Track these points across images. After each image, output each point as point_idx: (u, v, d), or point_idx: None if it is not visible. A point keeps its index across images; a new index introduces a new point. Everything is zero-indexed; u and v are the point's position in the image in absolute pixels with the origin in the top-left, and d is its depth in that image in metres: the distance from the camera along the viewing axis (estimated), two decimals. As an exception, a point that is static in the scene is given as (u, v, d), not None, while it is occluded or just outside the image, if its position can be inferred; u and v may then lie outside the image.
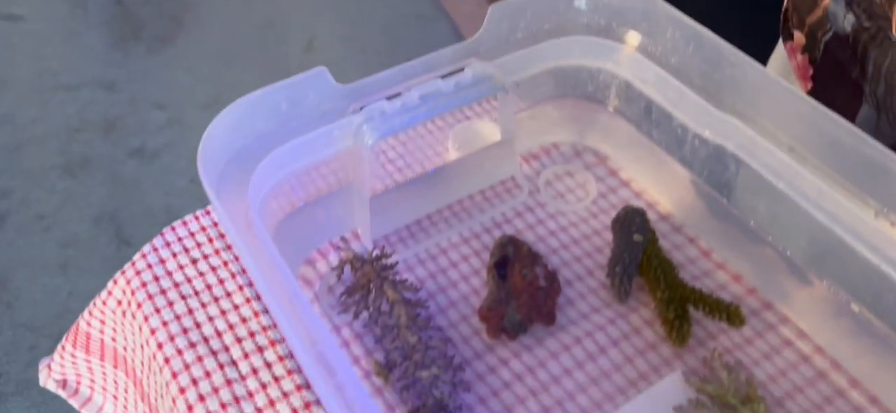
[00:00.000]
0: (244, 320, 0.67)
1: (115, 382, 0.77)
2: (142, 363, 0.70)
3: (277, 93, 0.61)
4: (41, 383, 0.83)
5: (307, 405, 0.61)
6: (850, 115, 0.69)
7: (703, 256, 0.68)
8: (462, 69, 0.65)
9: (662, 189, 0.73)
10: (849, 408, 0.58)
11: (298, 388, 0.62)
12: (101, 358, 0.77)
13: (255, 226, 0.55)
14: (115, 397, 0.79)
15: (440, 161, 0.74)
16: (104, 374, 0.78)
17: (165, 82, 2.21)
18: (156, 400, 0.69)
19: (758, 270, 0.66)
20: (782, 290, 0.64)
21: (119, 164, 1.97)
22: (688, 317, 0.61)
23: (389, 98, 0.63)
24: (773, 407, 0.58)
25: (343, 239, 0.65)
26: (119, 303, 0.72)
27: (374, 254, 0.63)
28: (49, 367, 0.82)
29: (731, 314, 0.60)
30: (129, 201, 1.89)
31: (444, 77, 0.64)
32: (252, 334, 0.66)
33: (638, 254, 0.64)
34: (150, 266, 0.71)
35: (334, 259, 0.67)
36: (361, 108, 0.63)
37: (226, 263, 0.71)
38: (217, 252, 0.72)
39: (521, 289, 0.63)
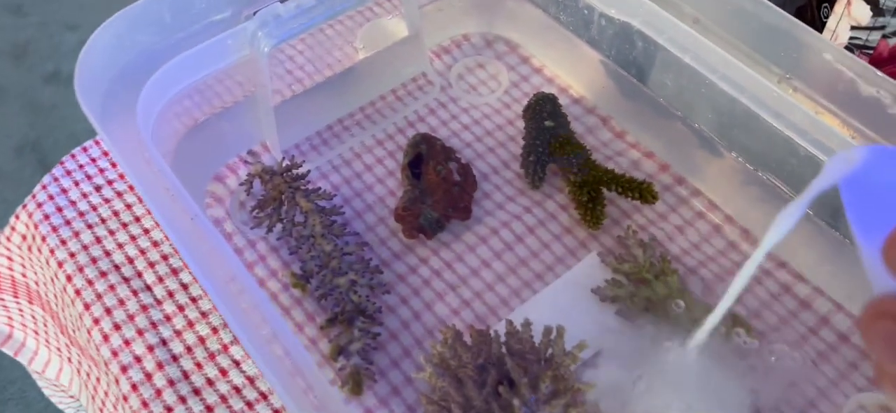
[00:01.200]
0: (156, 244, 0.64)
1: (33, 317, 0.74)
2: (54, 296, 0.67)
3: (160, 2, 0.56)
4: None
5: (226, 323, 0.59)
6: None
7: (617, 137, 0.67)
8: (359, -37, 0.61)
9: (573, 72, 0.70)
10: (758, 272, 0.59)
11: (216, 307, 0.60)
12: (15, 294, 0.73)
13: (148, 148, 0.51)
14: (36, 333, 0.75)
15: (348, 63, 0.70)
16: (20, 310, 0.74)
17: (76, 2, 2.07)
18: (73, 332, 0.66)
19: (669, 146, 0.65)
20: (693, 163, 0.64)
21: (35, 91, 1.86)
22: (601, 198, 0.60)
23: (283, 0, 0.59)
24: (686, 277, 0.58)
25: (251, 152, 0.61)
26: (24, 238, 0.68)
27: (284, 164, 0.60)
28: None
29: (643, 191, 0.59)
30: (51, 129, 1.80)
31: (340, -28, 0.60)
32: (165, 257, 0.63)
33: (550, 140, 0.62)
34: (51, 197, 0.66)
35: (245, 174, 0.63)
36: (254, 14, 0.58)
37: (132, 188, 0.67)
38: (122, 177, 0.68)
39: (436, 186, 0.61)
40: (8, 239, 0.69)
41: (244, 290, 0.46)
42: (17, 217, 0.68)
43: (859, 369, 0.55)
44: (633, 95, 0.66)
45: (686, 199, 0.63)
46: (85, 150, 0.70)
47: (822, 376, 0.54)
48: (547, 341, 0.49)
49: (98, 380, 0.66)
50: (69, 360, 0.72)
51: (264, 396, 0.55)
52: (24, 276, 0.71)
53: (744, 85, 0.56)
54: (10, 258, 0.70)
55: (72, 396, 0.77)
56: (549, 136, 0.62)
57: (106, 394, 0.65)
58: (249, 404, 0.55)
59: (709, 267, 0.59)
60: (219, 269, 0.48)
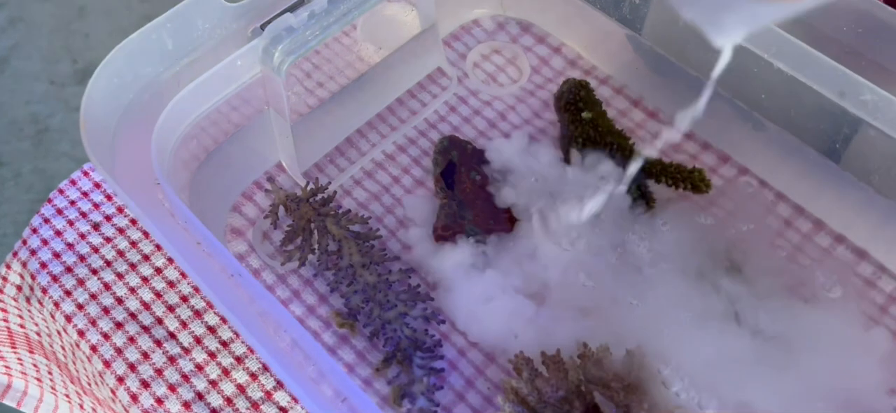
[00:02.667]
0: (172, 285, 0.57)
1: (35, 366, 0.67)
2: (63, 348, 0.60)
3: (159, 29, 0.49)
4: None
5: (266, 367, 0.54)
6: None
7: (650, 117, 0.63)
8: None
9: (597, 50, 0.65)
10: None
11: (251, 349, 0.55)
12: (13, 346, 0.66)
13: (172, 201, 0.45)
14: (39, 380, 0.69)
15: (359, 66, 0.64)
16: (20, 359, 0.68)
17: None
18: (90, 385, 0.60)
19: (711, 125, 0.61)
20: (737, 141, 0.60)
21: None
22: (648, 192, 0.56)
23: (292, 9, 0.52)
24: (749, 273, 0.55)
25: (269, 178, 0.55)
26: (19, 289, 0.61)
27: (309, 189, 0.54)
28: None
29: (695, 180, 0.55)
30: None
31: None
32: (185, 299, 0.57)
33: (589, 132, 0.58)
34: (46, 242, 0.59)
35: (263, 200, 0.57)
36: (263, 27, 0.52)
37: (134, 222, 0.60)
38: (121, 210, 0.61)
39: (474, 196, 0.56)
40: (0, 291, 0.62)
41: (293, 338, 0.42)
42: (9, 266, 0.61)
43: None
44: (665, 71, 0.62)
45: (733, 179, 0.59)
46: (74, 183, 0.62)
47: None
48: (630, 364, 0.45)
49: (119, 430, 0.61)
50: (81, 406, 0.66)
51: (321, 445, 0.51)
52: (21, 327, 0.64)
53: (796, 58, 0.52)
54: (4, 309, 0.63)
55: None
56: (589, 128, 0.57)
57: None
58: (305, 455, 0.51)
59: (770, 251, 0.56)
60: (260, 318, 0.43)
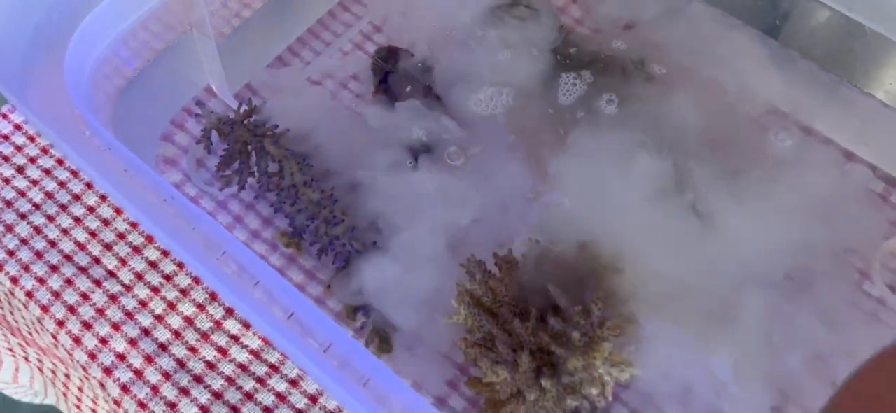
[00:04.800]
0: (107, 223, 0.54)
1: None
2: (-1, 300, 0.57)
3: (63, -58, 0.44)
4: None
5: (213, 296, 0.51)
6: None
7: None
8: None
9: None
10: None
11: (196, 280, 0.52)
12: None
13: (91, 125, 0.41)
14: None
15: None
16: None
17: None
18: (30, 334, 0.56)
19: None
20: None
21: None
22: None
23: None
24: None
25: (198, 102, 0.51)
26: (-58, 242, 0.56)
27: (242, 110, 0.51)
28: None
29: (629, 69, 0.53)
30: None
31: None
32: (122, 236, 0.53)
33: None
34: (-34, 190, 0.55)
35: (195, 127, 0.54)
36: (179, -62, 0.47)
37: (61, 162, 0.56)
38: (46, 151, 0.57)
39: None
40: (-79, 246, 0.57)
41: (239, 263, 0.39)
42: (-72, 219, 0.56)
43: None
44: None
45: (677, 62, 0.57)
46: (-9, 126, 0.58)
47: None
48: (584, 257, 0.44)
49: (68, 376, 0.58)
50: (26, 358, 0.62)
51: (275, 369, 0.49)
52: (-50, 282, 0.59)
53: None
54: (-72, 266, 0.58)
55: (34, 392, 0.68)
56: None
57: (80, 389, 0.57)
58: (261, 380, 0.48)
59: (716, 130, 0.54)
60: (203, 243, 0.40)
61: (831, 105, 0.54)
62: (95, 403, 0.55)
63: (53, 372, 0.60)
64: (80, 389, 0.57)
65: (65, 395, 0.60)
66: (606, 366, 0.39)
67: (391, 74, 0.54)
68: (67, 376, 0.58)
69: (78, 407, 0.59)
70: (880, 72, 0.53)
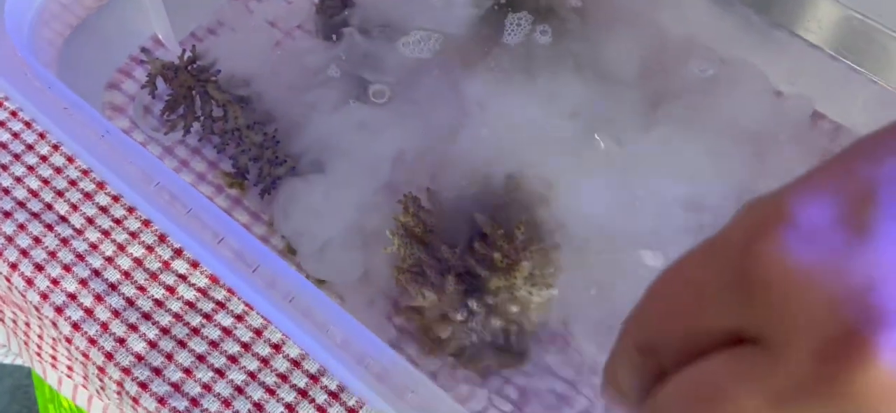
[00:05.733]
0: (59, 170, 0.55)
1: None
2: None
3: None
4: None
5: (162, 238, 0.52)
6: None
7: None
8: None
9: None
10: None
11: (147, 222, 0.53)
12: None
13: (30, 65, 0.42)
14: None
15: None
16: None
17: None
18: (-12, 282, 0.57)
19: None
20: None
21: None
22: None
23: None
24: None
25: (144, 50, 0.52)
26: None
27: (187, 57, 0.52)
28: None
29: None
30: None
31: None
32: (74, 183, 0.54)
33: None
34: (-82, 143, 0.56)
35: (142, 76, 0.55)
36: None
37: (15, 114, 0.57)
38: (0, 103, 0.58)
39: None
40: None
41: (183, 201, 0.40)
42: None
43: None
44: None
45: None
46: (-57, 81, 0.58)
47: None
48: (510, 186, 0.45)
49: (28, 324, 0.59)
50: (-12, 310, 0.63)
51: (222, 305, 0.50)
52: None
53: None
54: None
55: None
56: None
57: (40, 337, 0.58)
58: (207, 316, 0.50)
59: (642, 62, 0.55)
60: (147, 182, 0.41)
61: (764, 46, 0.55)
62: (54, 349, 0.57)
63: (14, 321, 0.61)
64: (40, 337, 0.58)
65: (26, 343, 0.62)
66: (527, 286, 0.41)
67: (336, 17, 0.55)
68: (27, 325, 0.59)
69: (39, 354, 0.60)
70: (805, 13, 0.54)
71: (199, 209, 0.38)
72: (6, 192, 0.54)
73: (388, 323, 0.48)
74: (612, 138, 0.47)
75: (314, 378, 0.48)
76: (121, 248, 0.52)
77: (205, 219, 0.38)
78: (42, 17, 0.47)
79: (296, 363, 0.48)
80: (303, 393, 0.47)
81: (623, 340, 0.23)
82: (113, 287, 0.51)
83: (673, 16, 0.54)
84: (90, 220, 0.53)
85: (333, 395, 0.47)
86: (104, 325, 0.50)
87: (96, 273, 0.51)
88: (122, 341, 0.49)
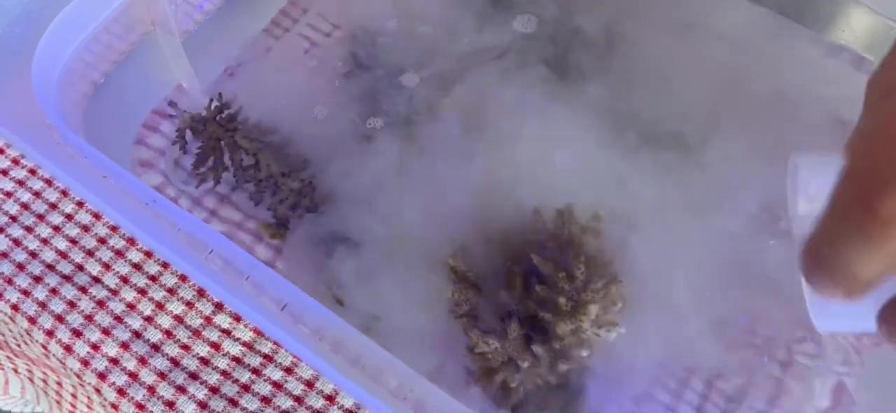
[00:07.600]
0: (86, 229, 0.53)
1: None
2: (-18, 316, 0.55)
3: (18, -47, 0.42)
4: None
5: (201, 292, 0.51)
6: None
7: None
8: None
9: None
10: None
11: (183, 278, 0.51)
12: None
13: (62, 132, 0.40)
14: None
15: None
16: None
17: None
18: (19, 346, 0.55)
19: None
20: None
21: None
22: None
23: None
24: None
25: (170, 103, 0.50)
26: (-82, 263, 0.55)
27: (213, 107, 0.50)
28: None
29: None
30: None
31: None
32: (103, 241, 0.52)
33: None
34: (-62, 209, 0.53)
35: (169, 129, 0.53)
36: (135, -62, 0.46)
37: (34, 171, 0.55)
38: (17, 162, 0.55)
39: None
40: None
41: (238, 268, 0.39)
42: None
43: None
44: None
45: None
46: (-44, 141, 0.56)
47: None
48: (562, 222, 0.44)
49: (60, 383, 0.57)
50: (15, 370, 0.61)
51: (270, 358, 0.49)
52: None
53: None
54: None
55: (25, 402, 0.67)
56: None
57: (74, 396, 0.56)
58: (256, 371, 0.48)
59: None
60: (200, 249, 0.39)
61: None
62: (90, 408, 0.55)
63: (44, 381, 0.59)
64: (73, 396, 0.56)
65: (58, 402, 0.59)
66: (594, 328, 0.40)
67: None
68: (59, 384, 0.57)
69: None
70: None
71: (260, 278, 0.37)
72: (33, 255, 0.52)
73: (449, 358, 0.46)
74: (660, 159, 0.46)
75: (371, 427, 0.46)
76: (159, 306, 0.50)
77: (269, 289, 0.36)
78: (68, 79, 0.45)
79: (351, 413, 0.47)
80: (361, 443, 0.46)
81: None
82: (156, 348, 0.49)
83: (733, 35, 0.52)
84: (125, 279, 0.51)
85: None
86: (151, 389, 0.48)
87: (137, 334, 0.49)
88: (171, 405, 0.47)
